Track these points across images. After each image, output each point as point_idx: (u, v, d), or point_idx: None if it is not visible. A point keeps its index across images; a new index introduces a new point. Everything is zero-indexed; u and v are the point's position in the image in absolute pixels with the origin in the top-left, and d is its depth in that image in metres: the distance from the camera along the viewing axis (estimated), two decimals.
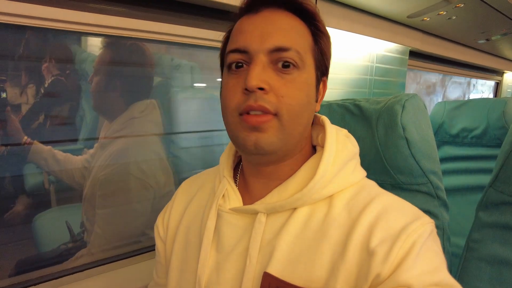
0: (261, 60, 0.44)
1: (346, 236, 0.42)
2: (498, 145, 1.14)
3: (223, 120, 0.49)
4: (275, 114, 0.44)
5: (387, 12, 1.26)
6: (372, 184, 0.49)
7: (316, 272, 0.42)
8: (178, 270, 0.55)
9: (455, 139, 1.27)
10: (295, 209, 0.46)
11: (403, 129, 0.64)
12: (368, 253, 0.39)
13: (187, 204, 0.61)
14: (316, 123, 0.54)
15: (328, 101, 0.85)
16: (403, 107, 0.65)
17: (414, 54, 1.69)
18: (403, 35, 1.42)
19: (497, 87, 3.08)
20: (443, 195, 0.67)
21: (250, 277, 0.45)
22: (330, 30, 1.14)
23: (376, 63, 1.39)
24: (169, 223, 0.61)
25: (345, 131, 0.54)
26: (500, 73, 2.85)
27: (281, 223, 0.46)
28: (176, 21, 0.88)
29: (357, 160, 0.51)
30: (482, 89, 3.15)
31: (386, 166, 0.68)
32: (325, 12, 1.06)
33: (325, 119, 0.52)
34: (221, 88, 0.50)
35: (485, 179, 0.76)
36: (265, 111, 0.43)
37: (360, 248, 0.40)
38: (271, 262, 0.44)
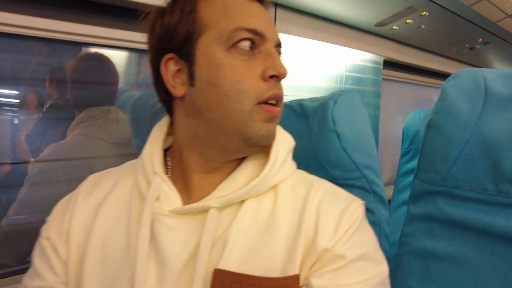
0: (276, 51, 0.47)
1: (297, 221, 0.44)
2: None
3: (228, 106, 0.42)
4: (278, 106, 0.47)
5: (353, 21, 1.27)
6: (304, 173, 0.54)
7: (273, 260, 0.42)
8: None
9: None
10: (242, 202, 0.46)
11: (333, 122, 0.64)
12: (316, 233, 0.43)
13: (96, 208, 0.48)
14: None
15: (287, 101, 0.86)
16: (335, 101, 0.66)
17: (390, 65, 1.70)
18: (374, 45, 1.43)
19: None
20: (380, 190, 0.66)
21: (200, 281, 0.40)
22: (292, 38, 1.17)
23: (346, 72, 1.40)
24: (71, 235, 0.47)
25: (281, 129, 0.55)
26: None
27: (231, 218, 0.45)
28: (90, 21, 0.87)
29: (292, 153, 0.54)
30: None
31: (321, 161, 0.67)
32: (285, 20, 1.08)
33: None
34: (212, 66, 0.43)
35: None
36: (280, 101, 0.47)
37: (310, 230, 0.44)
38: (223, 258, 0.41)
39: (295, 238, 0.43)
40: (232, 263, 0.41)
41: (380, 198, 0.65)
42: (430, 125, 0.53)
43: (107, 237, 0.46)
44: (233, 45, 0.43)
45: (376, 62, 1.53)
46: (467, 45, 1.75)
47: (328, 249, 0.42)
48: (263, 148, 0.51)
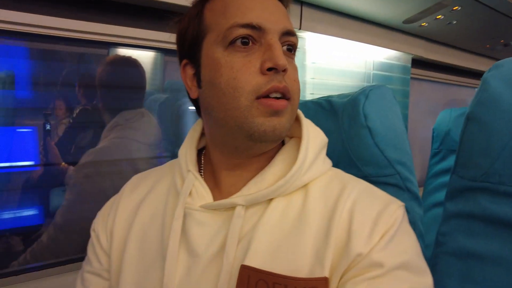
0: (278, 41, 0.43)
1: (327, 222, 0.42)
2: None
3: (227, 105, 0.43)
4: (289, 99, 0.44)
5: (381, 18, 1.25)
6: (340, 172, 0.51)
7: (299, 261, 0.40)
8: (134, 286, 0.47)
9: None
10: (270, 201, 0.45)
11: (365, 117, 0.62)
12: (349, 237, 0.40)
13: (137, 206, 0.53)
14: None
15: (303, 100, 0.85)
16: (367, 96, 0.64)
17: (421, 63, 1.65)
18: (402, 42, 1.40)
19: None
20: (414, 188, 0.63)
21: (227, 276, 0.41)
22: (318, 36, 1.16)
23: (374, 70, 1.37)
24: (114, 230, 0.52)
25: (314, 125, 0.54)
26: None
27: (258, 216, 0.45)
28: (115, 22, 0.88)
29: (325, 150, 0.52)
30: None
31: (352, 158, 0.66)
32: (310, 18, 1.07)
33: (298, 110, 0.52)
34: (212, 66, 0.44)
35: None
36: (287, 94, 0.43)
37: (342, 232, 0.41)
38: (249, 254, 0.41)
39: (325, 240, 0.41)
40: (257, 261, 0.41)
41: (414, 196, 0.63)
42: (469, 118, 0.51)
43: (145, 231, 0.49)
44: (230, 44, 0.43)
45: (404, 60, 1.49)
46: (502, 41, 1.67)
47: (363, 255, 0.39)
48: (294, 143, 0.49)
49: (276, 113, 0.42)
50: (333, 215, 0.42)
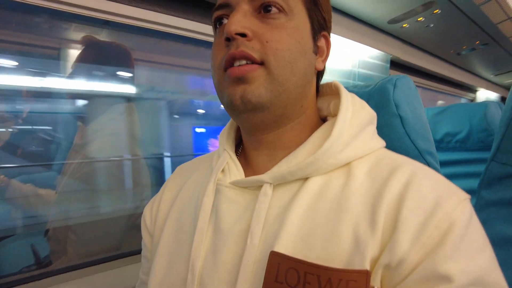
0: (242, 8, 0.41)
1: (372, 208, 0.36)
2: (482, 148, 1.14)
3: (214, 85, 0.45)
4: (262, 63, 0.40)
5: (367, 16, 1.27)
6: (393, 153, 0.44)
7: (337, 249, 0.35)
8: (165, 261, 0.47)
9: (439, 145, 1.26)
10: (306, 179, 0.41)
11: (396, 106, 0.60)
12: (396, 227, 0.33)
13: (179, 189, 0.54)
14: (325, 94, 0.51)
15: None
16: (395, 85, 0.62)
17: (395, 65, 1.72)
18: (384, 42, 1.44)
19: None
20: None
21: (251, 260, 0.38)
22: None
23: (359, 68, 1.39)
24: (158, 213, 0.54)
25: (359, 99, 0.48)
26: (473, 90, 2.96)
27: (290, 196, 0.40)
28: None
29: (375, 126, 0.47)
30: None
31: None
32: None
33: (337, 83, 0.48)
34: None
35: (471, 184, 0.72)
36: (248, 58, 0.39)
37: (390, 220, 0.34)
38: (278, 240, 0.37)
39: (369, 227, 0.35)
40: (288, 246, 0.37)
41: None
42: None
43: (183, 208, 0.50)
44: (215, 28, 0.46)
45: (384, 60, 1.54)
46: (464, 47, 1.81)
47: (411, 256, 0.32)
48: (335, 121, 0.43)
49: (240, 80, 0.39)
50: (380, 200, 0.36)
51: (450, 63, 1.99)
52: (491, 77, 2.71)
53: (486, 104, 1.12)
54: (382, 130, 0.63)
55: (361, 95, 0.68)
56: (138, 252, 0.92)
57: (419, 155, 0.61)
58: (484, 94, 2.95)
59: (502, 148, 0.51)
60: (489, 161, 0.54)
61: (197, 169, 0.55)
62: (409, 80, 0.65)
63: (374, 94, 0.64)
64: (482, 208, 0.56)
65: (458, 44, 1.74)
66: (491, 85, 2.75)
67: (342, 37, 1.25)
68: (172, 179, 0.58)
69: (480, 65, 2.33)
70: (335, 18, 1.20)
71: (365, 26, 1.30)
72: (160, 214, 0.53)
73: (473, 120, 1.15)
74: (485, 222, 0.55)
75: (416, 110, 0.63)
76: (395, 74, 1.74)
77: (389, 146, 0.63)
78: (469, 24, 1.48)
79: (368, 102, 0.65)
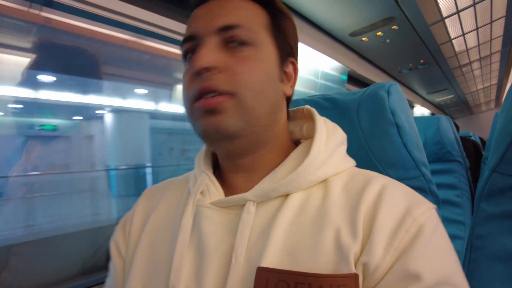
0: (210, 41, 0.42)
1: (350, 217, 0.38)
2: (436, 160, 1.18)
3: (186, 114, 0.45)
4: (232, 94, 0.41)
5: (331, 27, 1.27)
6: (364, 170, 0.47)
7: (323, 259, 0.36)
8: (140, 281, 0.46)
9: None
10: (287, 196, 0.43)
11: (393, 114, 0.56)
12: (372, 233, 0.36)
13: (152, 208, 0.53)
14: (297, 118, 0.53)
15: (295, 99, 0.76)
16: (388, 92, 0.58)
17: (353, 79, 1.76)
18: (343, 55, 1.45)
19: None
20: (436, 190, 0.60)
21: (236, 279, 0.38)
22: None
23: (320, 79, 1.38)
24: (131, 233, 0.52)
25: (331, 122, 0.51)
26: (411, 106, 3.20)
27: (273, 213, 0.42)
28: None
29: (346, 147, 0.49)
30: None
31: (372, 160, 0.59)
32: None
33: (309, 107, 0.50)
34: None
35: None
36: (217, 91, 0.40)
37: (367, 226, 0.37)
38: (264, 255, 0.37)
39: (349, 235, 0.37)
40: (274, 261, 0.38)
41: (438, 200, 0.59)
42: None
43: (158, 229, 0.49)
44: (184, 62, 0.46)
45: (341, 72, 1.55)
46: (410, 64, 1.93)
47: (385, 261, 0.34)
48: (311, 142, 0.46)
49: (211, 112, 0.41)
50: (357, 209, 0.38)
51: (395, 79, 2.10)
52: (425, 95, 2.95)
53: (438, 118, 1.16)
54: (377, 140, 0.58)
55: (349, 102, 0.63)
56: None
57: (415, 167, 0.58)
58: (420, 110, 3.21)
59: (506, 158, 0.49)
60: (490, 172, 0.52)
61: (168, 192, 0.54)
62: (398, 87, 0.62)
63: (365, 101, 0.60)
64: (483, 221, 0.53)
65: (406, 62, 1.84)
66: (426, 102, 3.00)
67: (305, 45, 1.22)
68: (144, 199, 0.56)
69: (418, 83, 2.52)
70: (300, 25, 1.17)
71: (328, 37, 1.29)
72: (133, 235, 0.52)
73: (428, 133, 1.18)
74: (487, 237, 0.52)
75: (410, 119, 0.59)
76: (350, 87, 1.78)
77: (382, 158, 0.58)
78: (419, 43, 1.57)
79: (358, 109, 0.60)
